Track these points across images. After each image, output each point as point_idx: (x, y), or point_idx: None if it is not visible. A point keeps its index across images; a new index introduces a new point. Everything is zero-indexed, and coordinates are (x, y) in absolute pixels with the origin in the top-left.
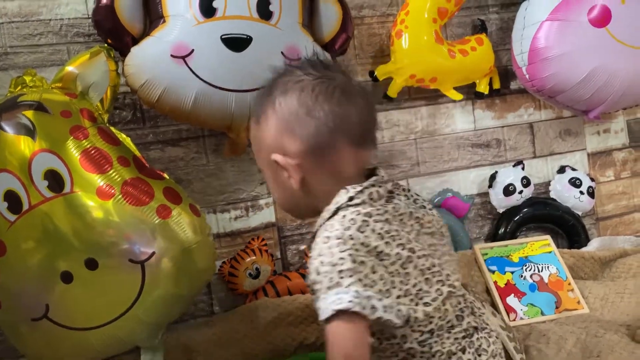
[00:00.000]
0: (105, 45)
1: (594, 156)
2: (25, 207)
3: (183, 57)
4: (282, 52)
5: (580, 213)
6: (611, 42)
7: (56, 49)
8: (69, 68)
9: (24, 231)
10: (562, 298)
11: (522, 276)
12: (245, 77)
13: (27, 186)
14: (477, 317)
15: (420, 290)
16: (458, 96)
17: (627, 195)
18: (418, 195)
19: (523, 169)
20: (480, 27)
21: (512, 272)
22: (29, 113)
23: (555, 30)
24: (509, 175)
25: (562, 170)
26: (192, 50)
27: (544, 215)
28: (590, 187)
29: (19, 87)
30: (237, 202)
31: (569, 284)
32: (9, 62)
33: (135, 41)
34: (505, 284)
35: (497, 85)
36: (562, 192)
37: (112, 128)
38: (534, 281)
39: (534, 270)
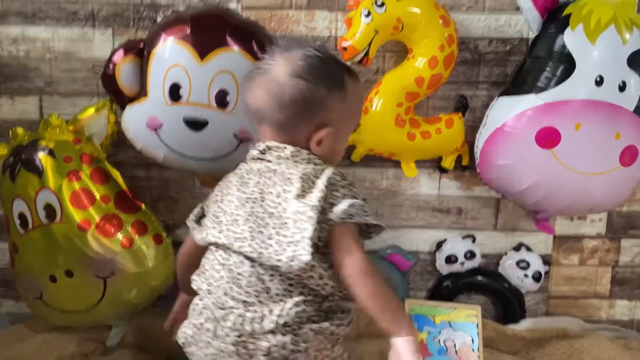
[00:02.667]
0: (109, 100)
1: (561, 239)
2: (30, 226)
3: (155, 129)
4: (234, 134)
5: (524, 291)
6: (555, 163)
7: (87, 83)
8: (80, 117)
9: (28, 242)
10: None
11: (436, 338)
12: (203, 150)
13: (32, 212)
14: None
15: None
16: (412, 173)
17: (588, 282)
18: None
19: (473, 241)
20: (461, 105)
21: (429, 333)
22: (42, 156)
23: (503, 141)
24: (456, 245)
25: (518, 248)
26: (162, 124)
27: (483, 286)
28: (537, 272)
29: (46, 127)
30: None
31: (478, 356)
32: (54, 89)
33: (132, 99)
34: (419, 342)
35: (465, 162)
36: (508, 270)
37: (108, 165)
38: (444, 345)
39: (449, 336)
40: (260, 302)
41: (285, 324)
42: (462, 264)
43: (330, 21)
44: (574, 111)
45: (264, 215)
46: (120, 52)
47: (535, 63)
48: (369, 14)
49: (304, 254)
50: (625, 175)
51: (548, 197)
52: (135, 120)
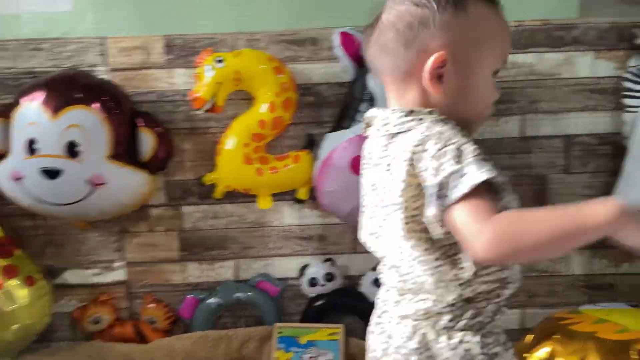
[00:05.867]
0: None
1: None
2: None
3: (18, 179)
4: (87, 180)
5: None
6: None
7: None
8: None
9: None
10: None
11: (301, 357)
12: (61, 196)
13: None
14: None
15: None
16: (267, 205)
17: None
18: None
19: (332, 265)
20: (308, 143)
21: (295, 352)
22: None
23: (328, 171)
24: (317, 269)
25: (375, 268)
26: (23, 176)
27: (347, 305)
28: None
29: None
30: (97, 263)
31: None
32: None
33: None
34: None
35: None
36: (368, 289)
37: None
38: None
39: (313, 354)
40: None
41: None
42: (323, 285)
43: (188, 77)
44: None
45: None
46: None
47: (351, 103)
48: (211, 69)
49: None
50: None
51: None
52: (3, 174)
